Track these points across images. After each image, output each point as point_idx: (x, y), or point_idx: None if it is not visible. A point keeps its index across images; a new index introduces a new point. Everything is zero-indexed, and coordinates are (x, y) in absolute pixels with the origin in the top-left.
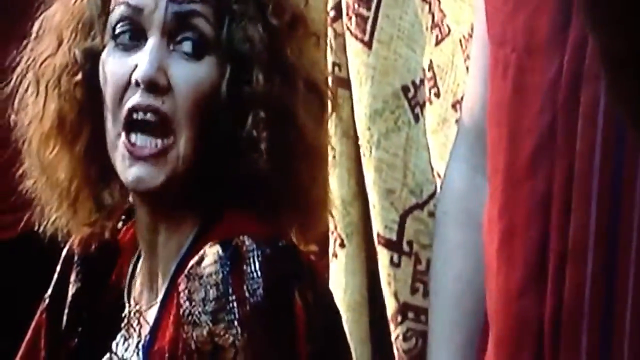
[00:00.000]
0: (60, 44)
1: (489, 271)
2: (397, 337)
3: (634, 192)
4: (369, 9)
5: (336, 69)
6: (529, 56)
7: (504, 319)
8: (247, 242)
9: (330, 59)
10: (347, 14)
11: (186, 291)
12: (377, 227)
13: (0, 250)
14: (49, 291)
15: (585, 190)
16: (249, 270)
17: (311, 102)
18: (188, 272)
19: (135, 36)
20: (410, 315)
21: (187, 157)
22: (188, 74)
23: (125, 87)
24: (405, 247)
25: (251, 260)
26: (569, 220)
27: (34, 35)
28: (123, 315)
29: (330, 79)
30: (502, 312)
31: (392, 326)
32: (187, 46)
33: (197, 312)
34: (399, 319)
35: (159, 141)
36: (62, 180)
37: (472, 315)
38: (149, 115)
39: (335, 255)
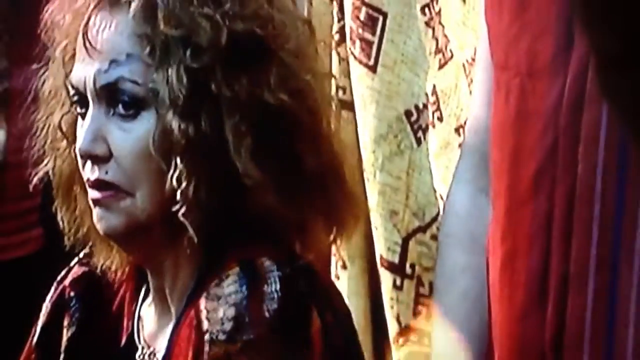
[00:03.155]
0: (57, 106)
1: (493, 293)
2: None
3: (636, 216)
4: (373, 33)
5: (340, 92)
6: (531, 80)
7: (506, 341)
8: (266, 263)
9: (333, 82)
10: (351, 39)
11: (205, 311)
12: (379, 250)
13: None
14: (37, 334)
15: (586, 214)
16: (268, 290)
17: (265, 129)
18: (208, 292)
19: (84, 105)
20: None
21: (149, 210)
22: (126, 138)
23: (80, 158)
24: (408, 270)
25: (270, 280)
26: (570, 244)
27: (41, 94)
28: (136, 356)
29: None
30: (504, 334)
31: (394, 349)
32: (121, 108)
33: (214, 331)
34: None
35: (113, 191)
36: (91, 226)
37: (477, 337)
38: (98, 194)
39: (337, 277)
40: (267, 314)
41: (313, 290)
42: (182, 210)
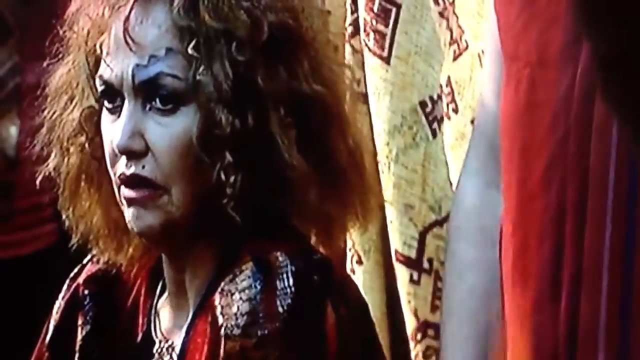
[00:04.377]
0: (71, 102)
1: (505, 288)
2: (416, 355)
3: None
4: (387, 25)
5: (354, 84)
6: (541, 70)
7: (519, 336)
8: (280, 258)
9: (348, 74)
10: (365, 30)
11: (219, 306)
12: (395, 244)
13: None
14: (49, 334)
15: (599, 206)
16: (281, 285)
17: (304, 120)
18: (222, 288)
19: (116, 99)
20: (430, 333)
21: (183, 206)
22: (164, 133)
23: (113, 154)
24: (426, 265)
25: (284, 275)
26: (583, 237)
27: (52, 90)
28: (154, 351)
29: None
30: (517, 330)
31: (411, 344)
32: (160, 103)
33: (229, 326)
34: (419, 336)
35: (148, 190)
36: (98, 224)
37: (486, 332)
38: (134, 193)
39: (352, 272)
40: (280, 309)
41: (327, 285)
42: (231, 203)
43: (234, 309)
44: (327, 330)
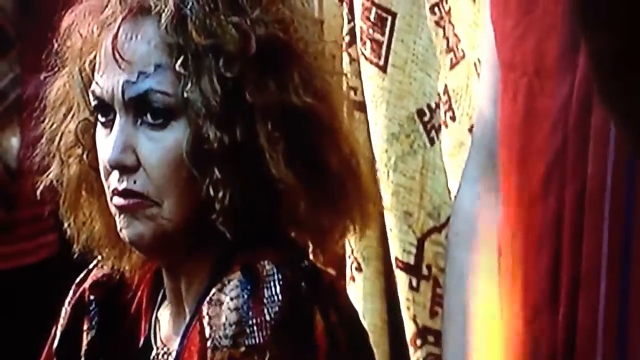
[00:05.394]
0: (69, 113)
1: (504, 294)
2: None
3: None
4: (383, 33)
5: (351, 92)
6: (539, 80)
7: (518, 343)
8: (267, 266)
9: (345, 82)
10: (361, 39)
11: (207, 317)
12: (394, 251)
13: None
14: (57, 339)
15: (597, 213)
16: (268, 293)
17: (294, 132)
18: (210, 298)
19: (109, 113)
20: (430, 339)
21: (175, 219)
22: (155, 148)
23: (106, 168)
24: (425, 271)
25: (271, 283)
26: (581, 243)
27: (51, 102)
28: (151, 357)
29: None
30: (516, 336)
31: (411, 350)
32: (150, 118)
33: (218, 337)
34: (419, 343)
35: (140, 200)
36: (99, 232)
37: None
38: (124, 201)
39: (352, 279)
40: (268, 317)
41: (315, 291)
42: (220, 218)
43: (222, 319)
44: (317, 337)
